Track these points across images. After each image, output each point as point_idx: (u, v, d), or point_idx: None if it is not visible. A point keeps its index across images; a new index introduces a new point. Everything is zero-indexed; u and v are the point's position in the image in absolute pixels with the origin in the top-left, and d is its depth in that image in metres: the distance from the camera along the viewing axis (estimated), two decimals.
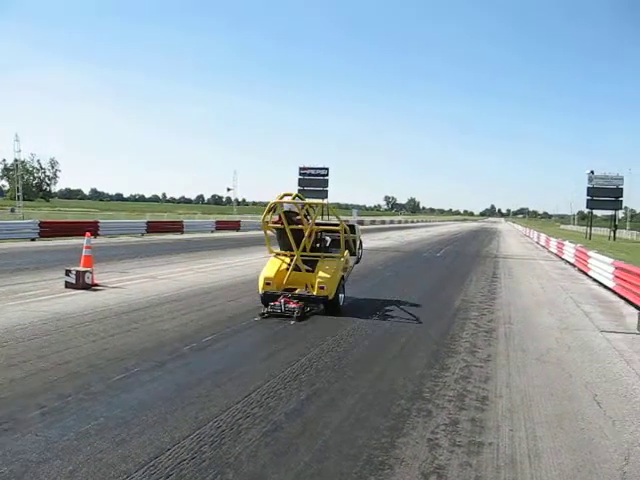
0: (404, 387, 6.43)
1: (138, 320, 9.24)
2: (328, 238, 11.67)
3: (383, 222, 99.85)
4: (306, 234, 10.59)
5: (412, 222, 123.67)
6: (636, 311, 11.52)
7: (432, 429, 5.29)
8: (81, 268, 12.59)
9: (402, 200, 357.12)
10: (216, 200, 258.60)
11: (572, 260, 23.96)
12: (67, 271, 12.36)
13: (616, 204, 71.60)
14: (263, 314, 9.83)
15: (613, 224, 73.06)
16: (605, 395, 6.49)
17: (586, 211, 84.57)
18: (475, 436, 5.18)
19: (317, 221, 11.01)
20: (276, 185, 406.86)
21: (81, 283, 12.20)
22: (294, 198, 10.74)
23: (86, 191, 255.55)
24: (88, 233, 14.13)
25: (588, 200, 71.59)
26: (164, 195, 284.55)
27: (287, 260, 10.79)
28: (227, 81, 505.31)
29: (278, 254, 11.02)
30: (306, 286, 10.66)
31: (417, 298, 13.06)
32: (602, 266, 17.24)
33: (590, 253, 19.75)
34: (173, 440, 4.79)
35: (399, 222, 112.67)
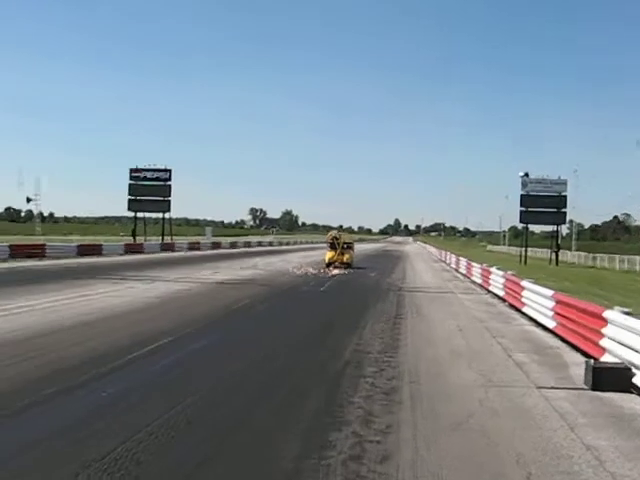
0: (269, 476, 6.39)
1: None
2: (346, 245, 43.62)
3: (248, 244, 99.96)
4: (341, 244, 43.34)
5: (288, 244, 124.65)
6: (583, 359, 12.04)
7: None
8: None
9: (274, 214, 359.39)
10: (12, 215, 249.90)
11: (501, 293, 24.90)
12: None
13: (558, 217, 73.97)
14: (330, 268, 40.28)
15: (555, 243, 75.07)
16: (543, 474, 6.69)
17: (520, 226, 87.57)
18: None
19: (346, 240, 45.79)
20: (99, 194, 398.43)
21: None
22: (338, 232, 50.82)
23: None
24: None
25: (522, 212, 73.35)
26: None
27: (334, 252, 42.60)
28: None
29: (330, 250, 43.37)
30: (342, 260, 42.56)
31: (292, 349, 13.25)
32: (540, 300, 17.94)
33: (524, 283, 20.52)
34: None
35: (270, 244, 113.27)
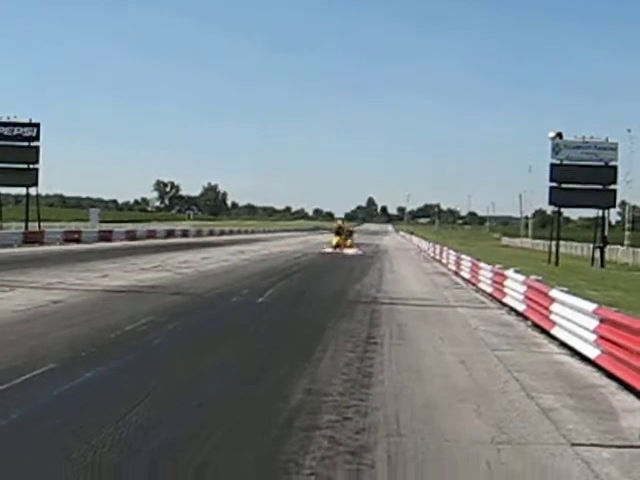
0: None
1: None
2: (348, 232, 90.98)
3: (152, 234, 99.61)
4: (345, 231, 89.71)
5: (211, 233, 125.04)
6: (639, 404, 12.04)
7: None
8: None
9: (192, 190, 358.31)
10: None
11: (521, 307, 25.06)
12: None
13: (605, 197, 70.80)
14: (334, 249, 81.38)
15: (600, 235, 72.40)
16: None
17: (549, 211, 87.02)
18: None
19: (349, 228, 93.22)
20: None
21: None
22: (342, 221, 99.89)
23: None
24: None
25: (552, 190, 71.14)
26: None
27: (339, 237, 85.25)
28: None
29: (336, 236, 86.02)
30: (345, 244, 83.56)
31: (217, 389, 13.26)
32: (576, 317, 17.94)
33: (554, 293, 20.56)
34: None
35: (183, 234, 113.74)
